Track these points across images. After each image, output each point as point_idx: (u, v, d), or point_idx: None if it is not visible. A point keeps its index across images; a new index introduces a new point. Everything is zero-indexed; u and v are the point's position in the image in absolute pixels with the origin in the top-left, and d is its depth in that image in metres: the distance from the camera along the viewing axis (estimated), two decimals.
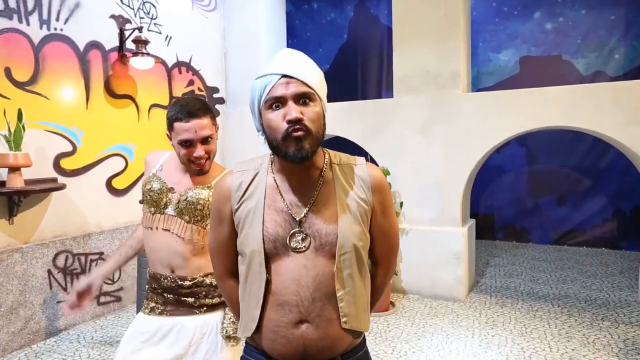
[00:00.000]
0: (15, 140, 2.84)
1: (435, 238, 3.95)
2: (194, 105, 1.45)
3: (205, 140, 1.46)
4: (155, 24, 4.11)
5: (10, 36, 3.01)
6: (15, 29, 3.04)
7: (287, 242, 1.03)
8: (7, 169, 2.86)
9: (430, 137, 3.99)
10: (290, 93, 0.97)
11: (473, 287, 4.26)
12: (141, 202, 1.60)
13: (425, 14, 4.00)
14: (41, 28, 3.19)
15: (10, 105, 2.97)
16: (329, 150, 1.13)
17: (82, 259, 3.49)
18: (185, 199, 1.50)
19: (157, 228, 1.54)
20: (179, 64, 4.40)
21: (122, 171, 3.85)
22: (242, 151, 4.94)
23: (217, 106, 4.95)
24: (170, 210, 1.52)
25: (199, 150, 1.44)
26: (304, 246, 1.03)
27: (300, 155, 0.98)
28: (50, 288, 3.28)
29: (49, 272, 3.27)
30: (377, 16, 6.46)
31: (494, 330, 3.30)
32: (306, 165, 1.04)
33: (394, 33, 4.17)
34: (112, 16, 3.70)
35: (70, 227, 3.43)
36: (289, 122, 0.96)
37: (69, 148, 3.40)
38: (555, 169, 5.92)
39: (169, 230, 1.52)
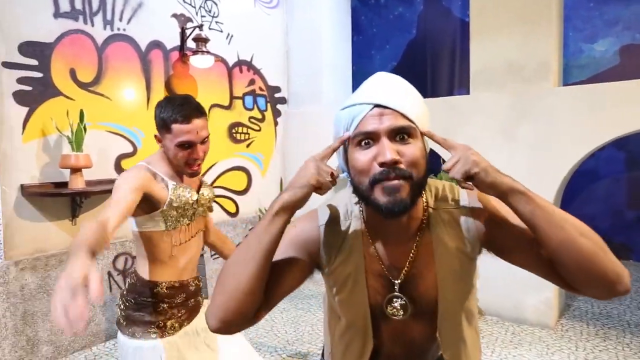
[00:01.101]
0: (76, 141, 2.82)
1: None
2: (191, 105, 1.42)
3: (203, 142, 1.46)
4: (216, 22, 4.02)
5: (76, 37, 3.02)
6: (80, 30, 3.04)
7: (384, 307, 0.91)
8: (69, 170, 2.86)
9: (512, 140, 3.49)
10: (384, 128, 0.79)
11: (564, 312, 3.67)
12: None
13: None
14: (105, 28, 3.18)
15: (75, 106, 2.97)
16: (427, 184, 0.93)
17: None
18: (208, 198, 1.61)
19: (194, 236, 1.56)
20: (239, 63, 4.28)
21: None
22: (302, 153, 4.72)
23: (279, 106, 4.78)
24: (200, 211, 1.59)
25: (199, 152, 1.44)
26: (401, 313, 0.90)
27: (397, 210, 0.80)
28: (110, 290, 3.25)
29: (109, 274, 3.25)
30: (449, 8, 5.98)
31: None
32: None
33: (471, 21, 3.72)
34: (174, 15, 3.64)
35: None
36: (381, 164, 0.78)
37: (130, 149, 3.37)
38: None
39: (199, 232, 1.60)
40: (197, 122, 1.40)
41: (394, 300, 0.90)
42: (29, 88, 2.79)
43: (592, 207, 5.50)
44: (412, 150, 0.80)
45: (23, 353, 2.82)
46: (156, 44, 3.52)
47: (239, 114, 4.32)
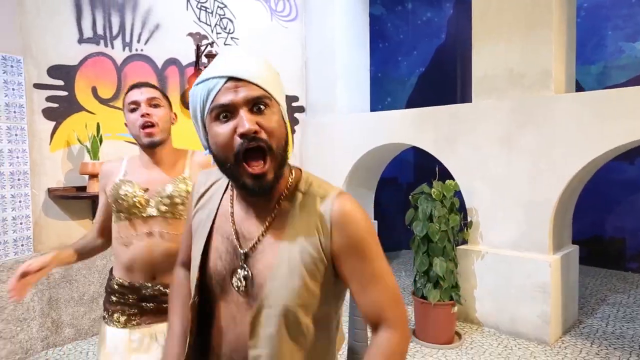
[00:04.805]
0: (93, 150, 3.23)
1: (516, 265, 3.35)
2: (139, 82, 1.55)
3: (154, 104, 1.48)
4: (232, 38, 4.32)
5: (97, 59, 3.45)
6: (101, 52, 3.47)
7: (228, 278, 0.88)
8: (87, 176, 3.27)
9: (513, 147, 3.41)
10: (240, 99, 0.78)
11: (571, 329, 3.50)
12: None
13: (509, 2, 3.44)
14: (124, 50, 3.58)
15: (95, 120, 3.39)
16: (305, 172, 0.93)
17: None
18: (167, 195, 1.46)
19: (138, 235, 1.48)
20: None
21: None
22: (319, 160, 4.89)
23: (297, 115, 4.99)
24: (152, 210, 1.46)
25: (149, 111, 1.45)
26: (244, 285, 0.86)
27: (262, 191, 0.82)
28: None
29: None
30: None
31: None
32: None
33: (473, 26, 3.68)
34: (190, 34, 3.98)
35: None
36: (241, 135, 0.77)
37: None
38: None
39: (152, 234, 1.46)
40: (145, 88, 1.49)
41: (239, 271, 0.87)
42: (56, 105, 3.25)
43: (633, 219, 5.11)
44: (269, 120, 0.80)
45: (48, 333, 3.27)
46: (172, 61, 3.89)
47: None
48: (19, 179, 3.10)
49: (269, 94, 0.81)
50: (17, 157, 3.09)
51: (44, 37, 3.17)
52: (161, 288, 1.45)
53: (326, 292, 0.86)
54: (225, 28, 4.26)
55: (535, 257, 3.28)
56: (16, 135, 3.08)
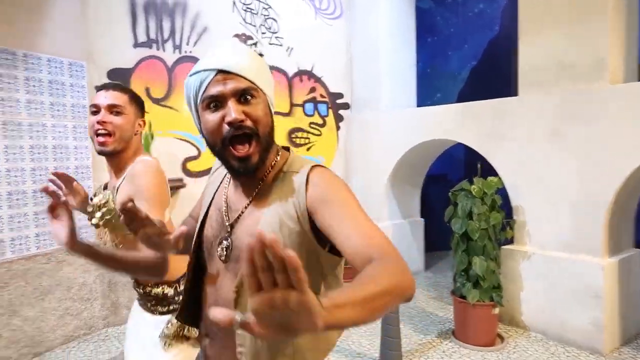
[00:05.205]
0: (145, 146, 3.48)
1: (566, 268, 3.16)
2: (111, 82, 1.50)
3: (113, 111, 1.39)
4: (276, 37, 4.44)
5: (150, 62, 3.70)
6: (154, 55, 3.72)
7: (215, 246, 0.98)
8: None
9: (561, 143, 3.21)
10: (228, 91, 0.86)
11: (632, 340, 3.23)
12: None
13: None
14: (174, 52, 3.81)
15: (148, 118, 3.63)
16: (292, 154, 1.00)
17: None
18: (95, 204, 1.39)
19: (102, 242, 1.48)
20: (299, 73, 4.64)
21: None
22: (363, 157, 4.90)
23: (341, 111, 5.03)
24: (94, 220, 1.40)
25: (105, 118, 1.36)
26: (224, 255, 0.95)
27: (247, 172, 0.91)
28: None
29: None
30: None
31: None
32: None
33: (519, 15, 3.50)
34: (236, 35, 4.15)
35: None
36: (229, 124, 0.86)
37: (195, 153, 3.97)
38: None
39: (106, 243, 1.44)
40: (111, 92, 1.41)
41: (223, 242, 0.96)
42: None
43: None
44: (255, 109, 0.88)
45: (108, 312, 3.57)
46: None
47: (299, 120, 4.68)
48: (82, 173, 3.41)
49: (256, 85, 0.88)
50: (81, 153, 3.41)
51: (104, 43, 3.46)
52: (146, 289, 1.50)
53: (307, 266, 0.83)
54: (269, 28, 4.39)
55: (587, 260, 3.07)
56: (80, 133, 3.39)
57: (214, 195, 1.05)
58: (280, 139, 4.57)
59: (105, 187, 1.55)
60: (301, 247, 0.88)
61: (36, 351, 3.09)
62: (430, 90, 5.96)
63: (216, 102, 0.87)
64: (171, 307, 1.49)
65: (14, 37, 2.94)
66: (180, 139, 3.89)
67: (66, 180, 1.41)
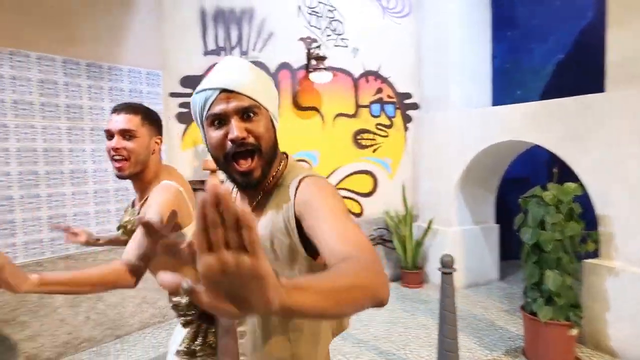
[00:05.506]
0: None
1: None
2: (127, 103, 1.46)
3: (125, 135, 1.39)
4: (342, 39, 4.42)
5: None
6: None
7: None
8: (208, 172, 3.73)
9: None
10: (231, 109, 0.89)
11: None
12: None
13: None
14: (241, 58, 3.96)
15: None
16: (291, 163, 1.01)
17: None
18: (120, 224, 1.51)
19: None
20: (366, 74, 4.58)
21: None
22: (432, 158, 4.71)
23: (409, 112, 4.87)
24: (124, 238, 1.50)
25: (119, 144, 1.38)
26: None
27: (250, 187, 0.95)
28: None
29: None
30: None
31: None
32: None
33: (608, 1, 3.10)
34: (301, 39, 4.21)
35: None
36: (231, 141, 0.89)
37: None
38: None
39: None
40: (122, 115, 1.41)
41: None
42: (186, 110, 3.77)
43: None
44: (257, 126, 0.91)
45: None
46: (284, 65, 4.16)
47: (365, 121, 4.62)
48: None
49: (258, 102, 0.92)
50: (106, 158, 3.68)
51: (177, 53, 3.71)
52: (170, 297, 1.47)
53: (300, 273, 0.91)
54: (334, 30, 4.38)
55: None
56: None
57: None
58: (346, 140, 4.56)
59: (133, 205, 1.58)
60: (293, 261, 0.88)
61: (117, 333, 3.42)
62: (509, 87, 5.54)
63: (220, 120, 0.90)
64: (188, 317, 1.54)
65: (100, 52, 3.27)
66: None
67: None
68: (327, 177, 4.42)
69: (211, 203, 0.45)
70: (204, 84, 0.93)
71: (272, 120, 0.95)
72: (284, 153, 1.03)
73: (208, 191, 0.45)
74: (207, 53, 3.82)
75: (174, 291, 0.49)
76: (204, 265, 0.46)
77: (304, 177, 0.92)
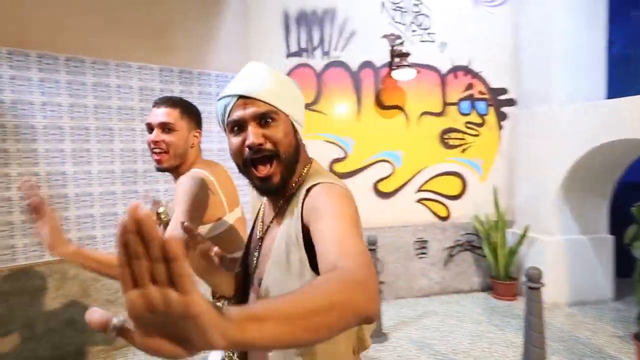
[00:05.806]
0: None
1: None
2: (167, 96, 1.49)
3: (164, 128, 1.42)
4: (428, 34, 4.20)
5: (301, 70, 3.95)
6: (304, 63, 3.95)
7: (251, 256, 1.03)
8: None
9: None
10: (248, 115, 0.89)
11: None
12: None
13: None
14: (322, 58, 3.98)
15: None
16: (314, 167, 0.98)
17: None
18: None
19: None
20: (454, 69, 4.30)
21: (389, 176, 4.21)
22: (532, 158, 4.26)
23: (505, 109, 4.46)
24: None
25: (158, 137, 1.41)
26: (255, 264, 1.00)
27: (269, 192, 0.94)
28: None
29: None
30: None
31: None
32: None
33: None
34: (385, 36, 4.09)
35: None
36: (248, 147, 0.89)
37: (342, 154, 4.07)
38: None
39: None
40: (162, 108, 1.44)
41: (254, 253, 1.01)
42: None
43: None
44: (275, 131, 0.90)
45: None
46: (366, 64, 4.08)
47: (453, 120, 4.34)
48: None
49: (276, 108, 0.90)
50: (228, 156, 3.86)
51: (261, 56, 3.84)
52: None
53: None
54: (420, 25, 4.18)
55: None
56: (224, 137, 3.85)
57: (259, 209, 1.11)
58: (431, 140, 4.33)
59: None
60: (302, 275, 0.83)
61: None
62: (629, 78, 4.79)
63: (238, 126, 0.91)
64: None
65: (191, 60, 3.51)
66: (328, 142, 4.04)
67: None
68: (411, 178, 4.25)
69: (130, 229, 0.40)
70: (224, 91, 0.94)
71: (293, 125, 0.94)
72: (310, 158, 1.01)
73: (127, 215, 0.40)
74: (289, 55, 3.90)
75: (103, 329, 0.43)
76: (128, 302, 0.41)
77: (317, 184, 0.89)
